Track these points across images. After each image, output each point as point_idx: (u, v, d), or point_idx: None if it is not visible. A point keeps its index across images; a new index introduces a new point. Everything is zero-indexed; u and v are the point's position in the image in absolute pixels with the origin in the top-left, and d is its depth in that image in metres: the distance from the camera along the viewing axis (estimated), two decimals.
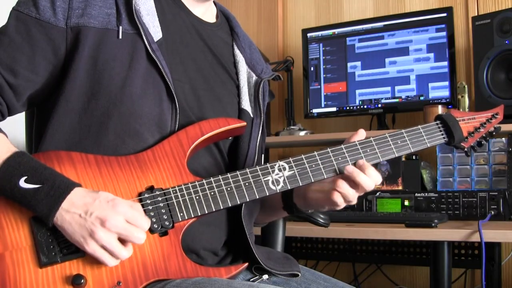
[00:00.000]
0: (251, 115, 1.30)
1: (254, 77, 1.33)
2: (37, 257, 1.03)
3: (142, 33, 1.15)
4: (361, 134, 1.23)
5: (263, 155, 1.38)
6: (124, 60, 1.13)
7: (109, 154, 1.11)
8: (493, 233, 1.73)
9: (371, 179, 1.17)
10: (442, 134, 1.28)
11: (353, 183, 1.17)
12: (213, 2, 1.35)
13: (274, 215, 1.44)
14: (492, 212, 1.99)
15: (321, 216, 1.62)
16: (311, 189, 1.25)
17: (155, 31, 1.18)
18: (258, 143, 1.29)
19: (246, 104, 1.31)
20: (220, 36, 1.34)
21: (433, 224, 1.83)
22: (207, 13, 1.33)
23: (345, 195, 1.17)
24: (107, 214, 1.01)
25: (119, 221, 1.01)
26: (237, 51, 1.35)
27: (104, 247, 1.01)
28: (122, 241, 1.03)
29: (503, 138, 2.12)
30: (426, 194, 2.13)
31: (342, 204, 1.18)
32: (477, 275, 2.47)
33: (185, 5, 1.28)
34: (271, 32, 3.05)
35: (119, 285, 1.04)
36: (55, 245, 1.03)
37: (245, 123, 1.24)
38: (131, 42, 1.15)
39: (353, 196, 1.18)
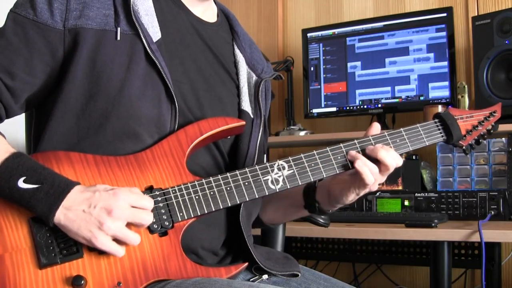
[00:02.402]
0: (251, 116, 1.30)
1: (254, 77, 1.33)
2: (36, 259, 1.02)
3: (141, 34, 1.14)
4: (376, 127, 1.24)
5: (265, 155, 1.38)
6: (123, 62, 1.13)
7: (109, 155, 1.11)
8: (493, 233, 1.73)
9: (389, 154, 1.18)
10: (441, 133, 1.28)
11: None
12: (214, 0, 1.35)
13: (293, 214, 1.42)
14: (492, 212, 1.99)
15: (321, 216, 1.62)
16: (333, 183, 1.26)
17: (154, 32, 1.18)
18: (258, 144, 1.29)
19: (246, 105, 1.30)
20: (220, 36, 1.33)
21: (433, 224, 1.83)
22: (207, 13, 1.32)
23: (371, 169, 1.17)
24: (110, 203, 1.01)
25: (124, 207, 1.01)
26: (237, 51, 1.34)
27: (115, 237, 1.01)
28: (129, 227, 1.03)
29: (503, 138, 2.11)
30: (426, 194, 2.13)
31: (371, 182, 1.18)
32: (477, 275, 2.47)
33: (185, 5, 1.27)
34: (271, 32, 3.05)
35: (119, 285, 1.04)
36: (54, 246, 1.03)
37: (244, 122, 1.23)
38: (130, 43, 1.14)
39: (378, 174, 1.18)
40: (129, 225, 1.04)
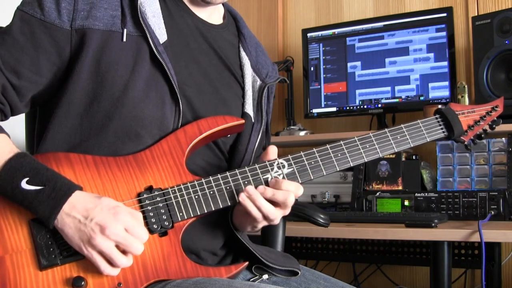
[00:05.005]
0: (253, 120, 1.30)
1: (259, 82, 1.32)
2: (37, 260, 1.03)
3: (148, 35, 1.14)
4: (273, 151, 1.18)
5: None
6: (128, 63, 1.13)
7: (109, 156, 1.11)
8: (493, 233, 1.73)
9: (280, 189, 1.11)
10: (442, 129, 1.28)
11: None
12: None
13: None
14: (492, 212, 1.99)
15: (321, 216, 1.62)
16: (235, 213, 1.22)
17: (161, 33, 1.18)
18: (256, 148, 1.29)
19: (249, 108, 1.30)
20: (225, 38, 1.33)
21: (433, 224, 1.83)
22: (213, 15, 1.32)
23: (263, 205, 1.11)
24: (107, 221, 1.01)
25: (119, 229, 1.01)
26: (243, 53, 1.34)
27: (102, 253, 1.01)
28: (121, 250, 1.03)
29: (503, 138, 2.11)
30: (426, 194, 2.13)
31: (259, 217, 1.12)
32: (477, 275, 2.47)
33: (190, 9, 1.27)
34: (271, 32, 3.05)
35: (120, 286, 1.04)
36: (55, 247, 1.03)
37: (243, 121, 1.23)
38: (136, 45, 1.14)
39: (274, 211, 1.12)
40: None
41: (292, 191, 1.12)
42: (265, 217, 1.13)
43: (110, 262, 1.02)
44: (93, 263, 1.02)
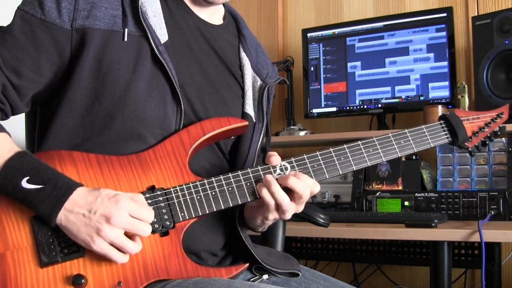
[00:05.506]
0: (254, 120, 1.30)
1: (259, 82, 1.32)
2: (38, 257, 1.03)
3: (149, 35, 1.14)
4: (276, 160, 1.17)
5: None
6: (129, 63, 1.13)
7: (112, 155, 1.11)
8: (493, 233, 1.73)
9: (301, 181, 1.11)
10: (446, 134, 1.28)
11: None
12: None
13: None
14: (492, 212, 1.99)
15: (321, 216, 1.62)
16: (246, 208, 1.23)
17: (162, 33, 1.18)
18: (258, 148, 1.29)
19: (250, 108, 1.30)
20: (226, 38, 1.33)
21: (433, 224, 1.83)
22: (214, 16, 1.32)
23: (280, 197, 1.11)
24: (110, 211, 1.01)
25: (124, 216, 1.02)
26: (243, 54, 1.34)
27: (112, 243, 1.02)
28: (129, 236, 1.03)
29: (503, 138, 2.11)
30: (426, 194, 2.13)
31: (272, 206, 1.12)
32: (477, 275, 2.47)
33: (191, 9, 1.27)
34: (271, 32, 3.05)
35: (120, 285, 1.04)
36: (55, 245, 1.04)
37: (247, 123, 1.23)
38: (137, 45, 1.14)
39: (290, 204, 1.12)
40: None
41: (309, 184, 1.12)
42: (278, 206, 1.12)
43: (120, 251, 1.03)
44: (104, 255, 1.02)
